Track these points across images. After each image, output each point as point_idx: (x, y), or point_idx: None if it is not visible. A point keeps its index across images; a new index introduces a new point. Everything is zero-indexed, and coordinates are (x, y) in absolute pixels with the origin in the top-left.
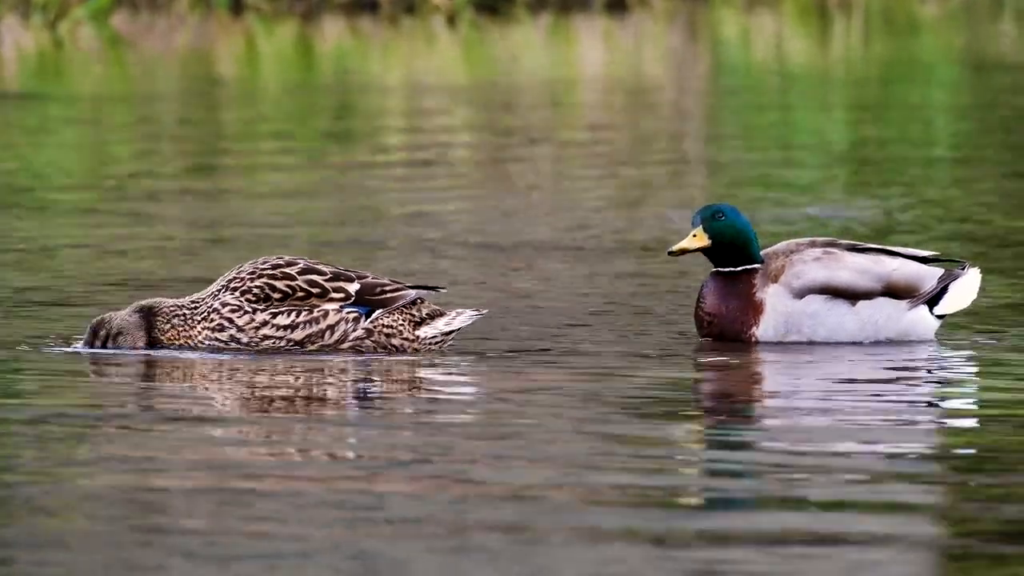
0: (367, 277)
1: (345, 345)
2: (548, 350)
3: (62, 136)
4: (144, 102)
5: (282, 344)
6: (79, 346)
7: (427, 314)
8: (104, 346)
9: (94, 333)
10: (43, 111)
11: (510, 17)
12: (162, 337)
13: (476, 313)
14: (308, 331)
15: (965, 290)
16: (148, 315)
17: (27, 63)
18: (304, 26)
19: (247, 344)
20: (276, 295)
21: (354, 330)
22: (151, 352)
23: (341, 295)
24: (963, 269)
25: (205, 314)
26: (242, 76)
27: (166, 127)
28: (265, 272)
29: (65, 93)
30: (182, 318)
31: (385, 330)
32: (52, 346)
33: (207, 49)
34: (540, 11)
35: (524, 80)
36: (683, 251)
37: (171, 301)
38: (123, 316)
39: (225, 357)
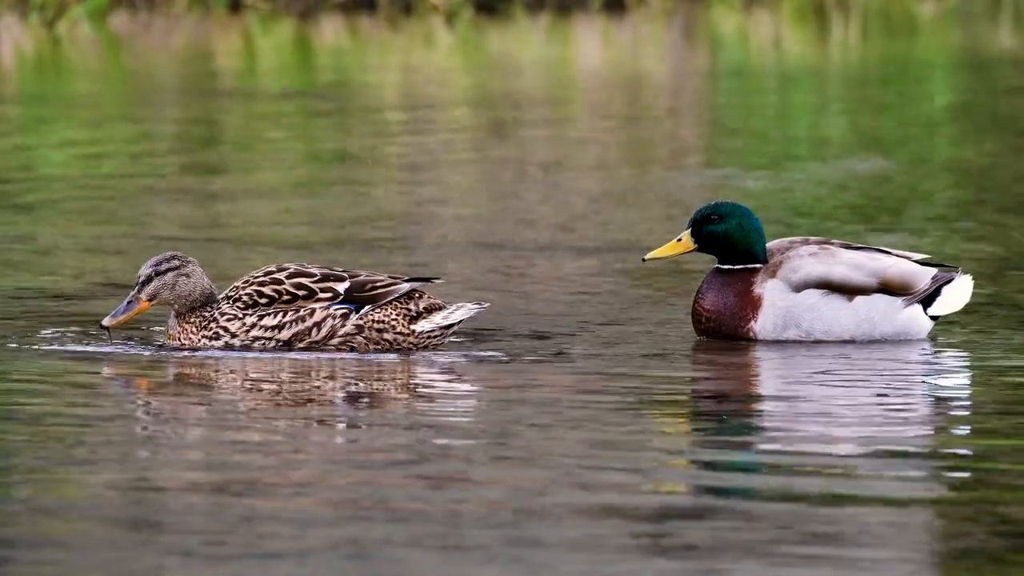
0: (360, 275)
1: (335, 341)
2: (546, 349)
3: (60, 135)
4: (142, 101)
5: (271, 344)
6: (106, 321)
7: (424, 308)
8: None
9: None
10: (41, 110)
11: (508, 17)
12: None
13: (477, 306)
14: (295, 329)
15: (958, 293)
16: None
17: (25, 62)
18: (302, 25)
19: (240, 348)
20: (263, 300)
21: (342, 326)
22: (150, 352)
23: (329, 295)
24: (956, 274)
25: (206, 323)
26: (240, 75)
27: (164, 126)
28: (256, 280)
29: (63, 92)
30: (195, 326)
31: (376, 325)
32: (52, 346)
33: (205, 48)
34: (538, 11)
35: (523, 80)
36: (660, 258)
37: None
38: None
39: (225, 357)
